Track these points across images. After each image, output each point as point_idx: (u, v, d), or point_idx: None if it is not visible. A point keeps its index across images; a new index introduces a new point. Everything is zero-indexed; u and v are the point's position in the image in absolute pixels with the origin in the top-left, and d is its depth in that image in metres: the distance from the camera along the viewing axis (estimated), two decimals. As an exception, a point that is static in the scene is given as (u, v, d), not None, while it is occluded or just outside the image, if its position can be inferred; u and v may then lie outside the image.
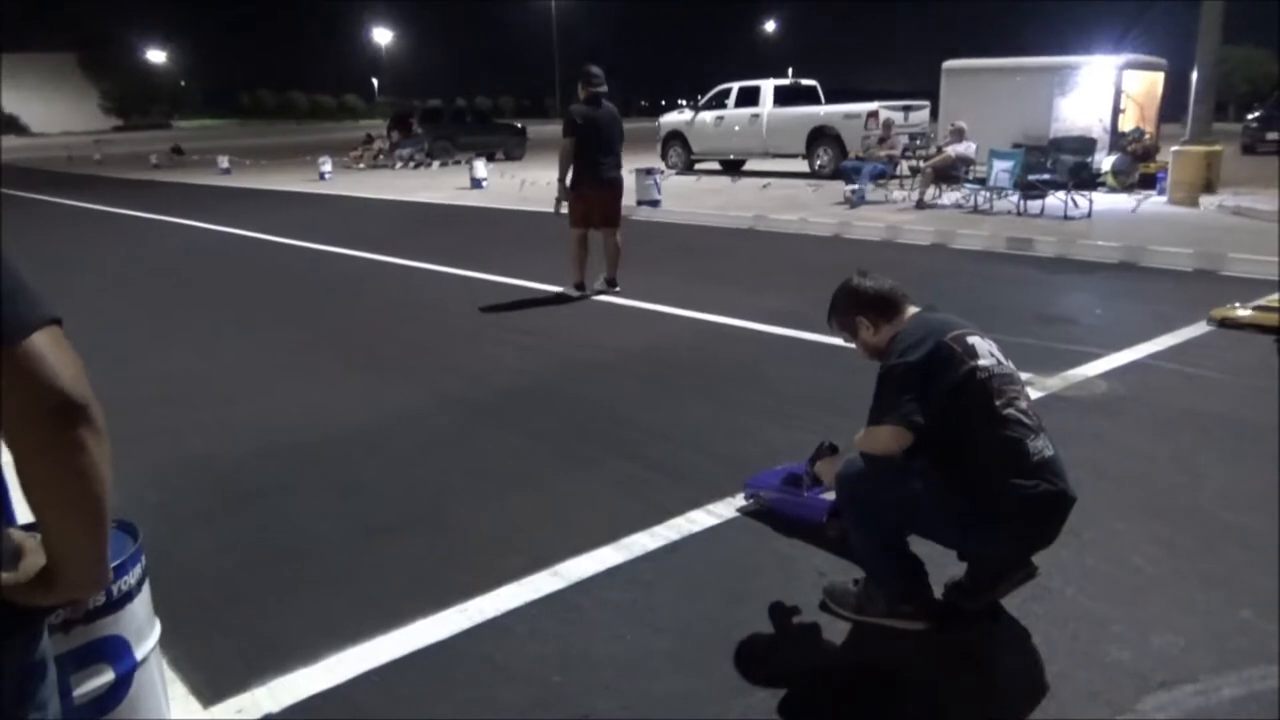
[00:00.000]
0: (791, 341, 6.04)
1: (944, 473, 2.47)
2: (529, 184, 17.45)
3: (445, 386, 5.30)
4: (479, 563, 3.15)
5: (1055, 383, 4.96)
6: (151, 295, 8.76)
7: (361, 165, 27.02)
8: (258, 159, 32.16)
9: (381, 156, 27.48)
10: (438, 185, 19.03)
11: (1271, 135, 23.22)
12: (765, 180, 15.59)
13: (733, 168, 20.29)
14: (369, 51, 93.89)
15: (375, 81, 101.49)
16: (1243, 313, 6.08)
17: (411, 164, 25.77)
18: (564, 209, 7.55)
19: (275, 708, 2.43)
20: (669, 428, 4.49)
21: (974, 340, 2.51)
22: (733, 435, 4.35)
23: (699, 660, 2.58)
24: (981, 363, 2.45)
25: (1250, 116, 24.88)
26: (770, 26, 79.71)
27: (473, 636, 2.72)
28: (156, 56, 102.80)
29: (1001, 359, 2.53)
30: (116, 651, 1.73)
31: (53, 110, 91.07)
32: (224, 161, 27.59)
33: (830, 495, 3.32)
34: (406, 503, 3.72)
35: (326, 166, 22.88)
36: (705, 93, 20.49)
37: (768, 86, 19.08)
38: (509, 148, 28.53)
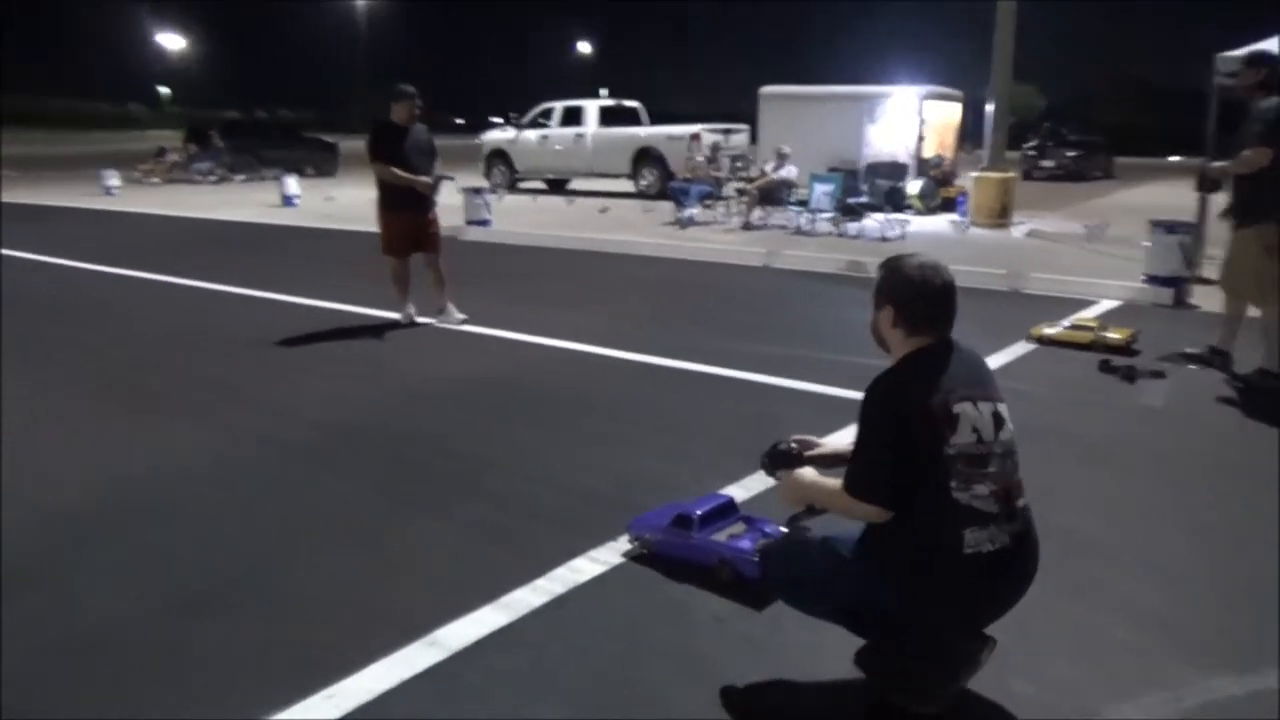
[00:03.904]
0: (632, 365, 5.92)
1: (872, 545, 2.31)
2: (338, 201, 16.64)
3: (255, 427, 4.78)
4: (341, 638, 2.78)
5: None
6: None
7: (155, 180, 24.97)
8: (27, 170, 29.16)
9: (177, 171, 25.54)
10: (243, 202, 17.84)
11: (1046, 163, 25.61)
12: (604, 204, 15.56)
13: (557, 187, 20.19)
14: (156, 57, 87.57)
15: (164, 90, 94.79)
16: (1056, 331, 6.48)
17: (212, 179, 24.12)
18: (438, 197, 7.13)
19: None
20: (519, 463, 4.23)
21: (961, 409, 2.25)
22: (595, 469, 4.15)
23: (608, 733, 2.36)
24: (955, 439, 2.22)
25: (1026, 146, 27.27)
26: (584, 48, 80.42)
27: (344, 728, 2.38)
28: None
29: (989, 433, 2.27)
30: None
31: None
32: (-13, 173, 24.85)
33: (720, 536, 3.19)
34: (230, 572, 3.22)
35: (113, 181, 20.99)
36: (520, 111, 20.31)
37: (592, 107, 19.13)
38: (319, 163, 27.24)
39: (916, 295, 2.38)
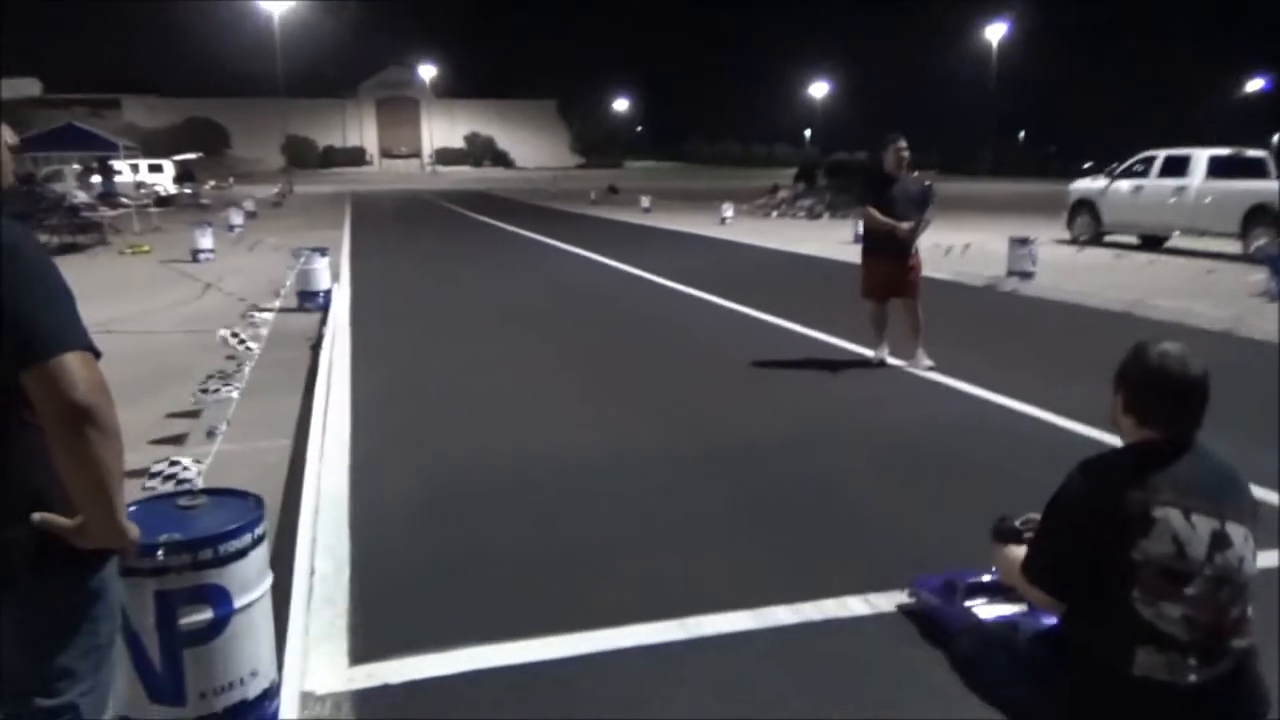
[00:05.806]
0: (1083, 442, 5.48)
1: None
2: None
3: (683, 435, 5.60)
4: (611, 601, 3.43)
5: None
6: (491, 318, 10.08)
7: (775, 214, 28.13)
8: (684, 200, 35.04)
9: (785, 206, 28.53)
10: (821, 238, 19.35)
11: None
12: (1151, 257, 13.85)
13: (1151, 244, 18.20)
14: (804, 103, 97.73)
15: (807, 133, 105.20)
16: None
17: (808, 215, 26.48)
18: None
19: (396, 680, 2.91)
20: (888, 512, 4.43)
21: (1163, 514, 2.04)
22: (950, 532, 4.13)
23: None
24: (1146, 545, 2.03)
25: None
26: (1256, 84, 69.33)
27: (560, 664, 3.02)
28: (619, 105, 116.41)
29: (1198, 551, 2.03)
30: (216, 598, 2.27)
31: (534, 148, 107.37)
32: (646, 202, 30.45)
33: (986, 611, 3.11)
34: (581, 541, 4.05)
35: (728, 212, 24.35)
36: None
37: (1200, 156, 16.90)
38: (910, 204, 28.07)
39: (1149, 384, 2.23)
